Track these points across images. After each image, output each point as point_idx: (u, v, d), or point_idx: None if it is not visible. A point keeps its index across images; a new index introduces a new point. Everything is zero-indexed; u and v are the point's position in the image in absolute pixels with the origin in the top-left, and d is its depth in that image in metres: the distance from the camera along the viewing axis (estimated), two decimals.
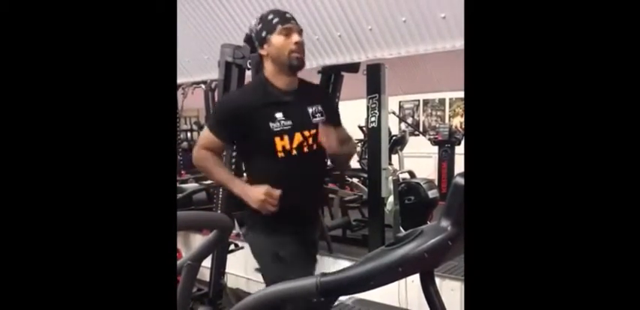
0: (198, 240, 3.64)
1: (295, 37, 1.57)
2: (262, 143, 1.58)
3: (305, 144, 1.61)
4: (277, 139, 1.56)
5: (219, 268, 2.89)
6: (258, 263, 1.71)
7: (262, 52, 1.61)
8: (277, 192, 1.53)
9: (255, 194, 1.53)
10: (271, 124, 1.55)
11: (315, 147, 1.63)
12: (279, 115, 1.56)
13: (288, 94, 1.63)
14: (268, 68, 1.63)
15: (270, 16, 1.59)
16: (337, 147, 1.61)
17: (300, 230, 1.68)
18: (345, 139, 1.71)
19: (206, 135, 1.64)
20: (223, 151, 1.73)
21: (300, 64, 1.62)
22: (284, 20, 1.58)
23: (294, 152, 1.58)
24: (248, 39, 1.69)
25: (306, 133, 1.61)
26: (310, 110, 1.65)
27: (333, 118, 1.71)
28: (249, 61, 2.90)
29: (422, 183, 3.68)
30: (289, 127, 1.57)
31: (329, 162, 1.81)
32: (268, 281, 1.61)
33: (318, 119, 1.65)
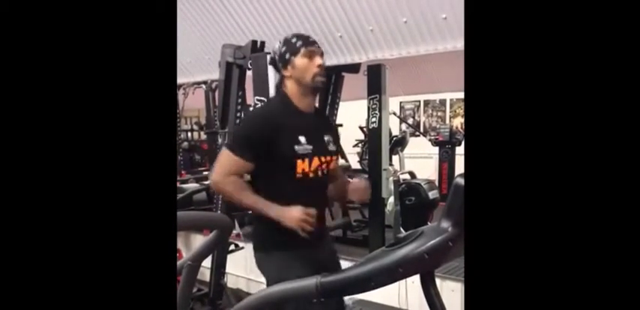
0: (198, 241, 3.64)
1: (318, 60, 1.63)
2: (284, 164, 1.61)
3: (320, 168, 1.67)
4: (299, 162, 1.61)
5: (219, 268, 2.89)
6: (266, 279, 1.71)
7: (286, 73, 1.67)
8: (314, 212, 1.56)
9: (294, 214, 1.54)
10: (296, 147, 1.60)
11: (325, 171, 1.71)
12: (302, 139, 1.62)
13: (308, 117, 1.69)
14: (291, 88, 1.67)
15: (294, 39, 1.65)
16: (341, 178, 1.78)
17: (314, 246, 1.69)
18: (365, 189, 1.79)
19: (230, 160, 1.60)
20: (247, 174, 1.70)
21: (323, 86, 1.70)
22: (307, 43, 1.64)
23: (311, 174, 1.64)
24: (272, 61, 1.74)
25: (323, 159, 1.68)
26: (326, 138, 1.73)
27: (339, 150, 1.84)
28: (249, 61, 2.90)
29: (422, 184, 3.67)
30: (310, 151, 1.63)
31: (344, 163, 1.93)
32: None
33: (332, 148, 1.75)
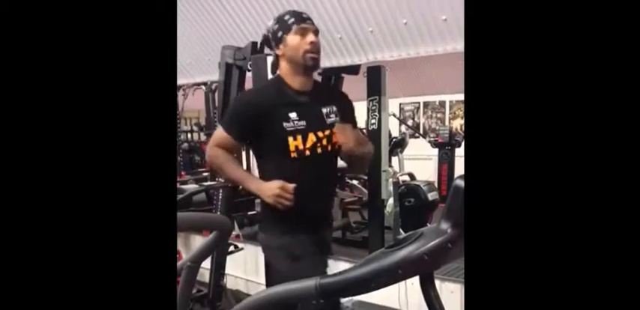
0: (198, 242, 3.64)
1: (311, 37, 1.58)
2: (275, 142, 1.58)
3: (318, 145, 1.61)
4: (290, 139, 1.57)
5: (218, 269, 2.89)
6: (271, 265, 1.71)
7: (278, 51, 1.62)
8: (291, 186, 1.53)
9: (270, 188, 1.53)
10: (285, 124, 1.56)
11: (328, 148, 1.64)
12: (292, 115, 1.57)
13: (302, 95, 1.64)
14: (284, 68, 1.64)
15: (287, 17, 1.60)
16: (354, 145, 1.60)
17: (312, 230, 1.68)
18: (362, 140, 1.69)
19: (220, 134, 1.65)
20: (237, 150, 1.72)
21: (315, 64, 1.63)
22: (300, 20, 1.59)
23: (307, 152, 1.59)
24: (265, 39, 1.69)
25: (320, 134, 1.61)
26: (325, 110, 1.66)
27: (348, 118, 1.70)
28: (249, 62, 2.91)
29: (422, 185, 3.68)
30: (303, 127, 1.58)
31: (344, 164, 1.81)
32: (278, 282, 1.61)
33: (332, 119, 1.66)
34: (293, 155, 1.58)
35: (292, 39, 1.57)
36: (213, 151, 1.66)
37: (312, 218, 1.67)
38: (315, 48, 1.59)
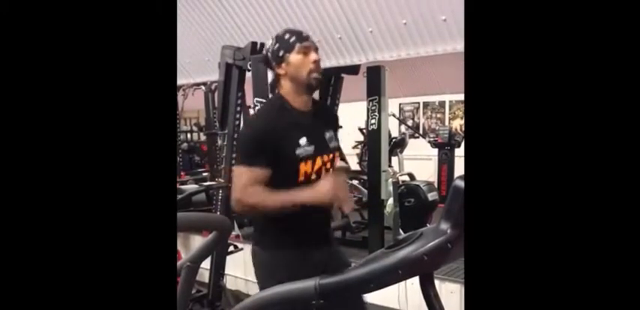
0: (197, 242, 3.64)
1: (314, 56, 1.57)
2: (288, 169, 1.56)
3: (323, 168, 1.62)
4: (302, 165, 1.56)
5: (218, 269, 2.89)
6: (258, 279, 1.68)
7: (280, 71, 1.60)
8: (343, 179, 1.53)
9: (325, 186, 1.48)
10: (297, 151, 1.55)
11: (329, 170, 1.65)
12: (302, 141, 1.55)
13: (306, 116, 1.63)
14: (285, 87, 1.61)
15: (287, 36, 1.58)
16: (345, 204, 1.63)
17: (312, 250, 1.66)
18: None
19: (246, 173, 1.53)
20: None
21: (318, 84, 1.62)
22: (302, 39, 1.57)
23: (314, 176, 1.59)
24: (265, 59, 1.66)
25: (325, 158, 1.62)
26: (327, 135, 1.66)
27: (340, 152, 1.75)
28: (249, 62, 2.91)
29: (421, 186, 3.68)
30: (311, 153, 1.57)
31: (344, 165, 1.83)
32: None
33: (333, 144, 1.68)
34: (300, 179, 1.57)
35: (295, 58, 1.56)
36: (248, 192, 1.52)
37: (312, 236, 1.65)
38: (319, 67, 1.59)
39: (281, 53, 1.57)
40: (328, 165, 1.63)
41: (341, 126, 2.80)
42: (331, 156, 1.64)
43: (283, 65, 1.58)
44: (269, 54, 1.62)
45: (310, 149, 1.57)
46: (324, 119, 1.72)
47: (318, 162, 1.60)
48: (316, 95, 1.85)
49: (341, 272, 1.01)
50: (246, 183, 1.51)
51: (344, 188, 1.51)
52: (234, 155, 2.54)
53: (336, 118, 1.85)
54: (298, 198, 1.49)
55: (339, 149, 1.71)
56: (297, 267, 1.53)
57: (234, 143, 2.93)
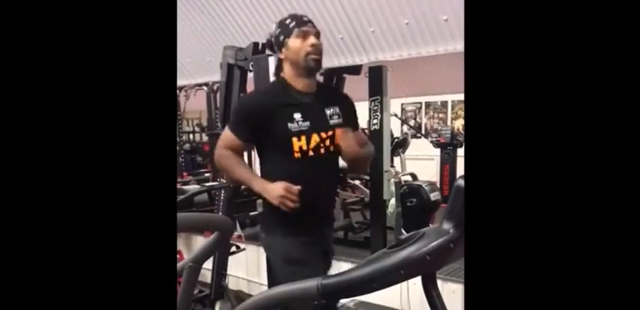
0: (199, 242, 3.64)
1: (312, 40, 1.61)
2: (279, 143, 1.61)
3: (322, 145, 1.63)
4: (294, 139, 1.59)
5: (220, 270, 2.89)
6: (272, 266, 1.72)
7: (281, 55, 1.66)
8: (296, 188, 1.55)
9: (275, 189, 1.54)
10: (289, 124, 1.59)
11: (331, 149, 1.66)
12: (297, 116, 1.60)
13: (306, 96, 1.66)
14: (287, 71, 1.66)
15: (288, 21, 1.64)
16: (356, 149, 1.63)
17: (314, 231, 1.69)
18: (364, 142, 1.71)
19: (227, 135, 1.68)
20: (244, 151, 1.75)
21: (317, 66, 1.66)
22: (300, 23, 1.62)
23: (311, 153, 1.61)
24: (268, 43, 1.72)
25: (323, 135, 1.64)
26: (328, 112, 1.68)
27: (350, 121, 1.73)
28: (251, 63, 2.91)
29: (424, 186, 3.67)
30: (307, 128, 1.60)
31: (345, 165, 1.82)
32: (279, 283, 1.62)
33: (335, 121, 1.68)
34: (296, 155, 1.60)
35: (294, 42, 1.61)
36: (220, 152, 1.69)
37: (313, 218, 1.68)
38: (317, 50, 1.62)
39: (281, 38, 1.63)
40: (327, 142, 1.64)
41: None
42: (331, 133, 1.65)
43: (283, 50, 1.64)
44: (272, 39, 1.67)
45: (305, 124, 1.60)
46: (328, 97, 1.75)
47: (315, 138, 1.62)
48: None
49: (343, 272, 1.01)
50: (225, 145, 1.68)
51: (296, 195, 1.55)
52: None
53: (342, 96, 1.85)
54: (252, 183, 1.63)
55: (349, 124, 1.69)
56: (294, 250, 1.61)
57: None
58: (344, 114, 1.71)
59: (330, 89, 1.78)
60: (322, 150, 1.63)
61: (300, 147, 1.60)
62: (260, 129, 1.61)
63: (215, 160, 1.74)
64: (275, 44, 1.66)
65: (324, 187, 1.71)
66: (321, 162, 1.65)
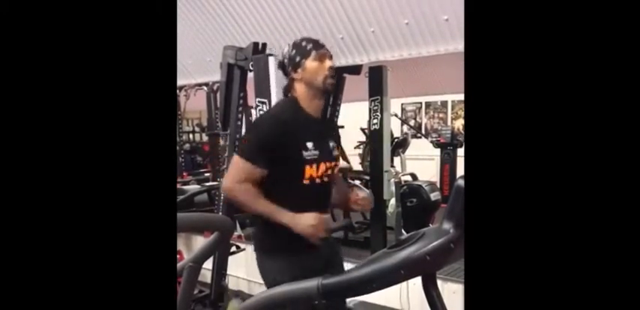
0: (199, 242, 3.64)
1: (328, 63, 1.68)
2: (293, 170, 1.63)
3: (326, 173, 1.70)
4: (307, 167, 1.63)
5: (220, 270, 2.89)
6: (265, 281, 1.72)
7: (296, 76, 1.68)
8: (325, 217, 1.59)
9: (307, 220, 1.56)
10: (304, 152, 1.62)
11: (331, 176, 1.74)
12: (309, 145, 1.64)
13: (316, 123, 1.72)
14: (300, 91, 1.69)
15: (304, 43, 1.68)
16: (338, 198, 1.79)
17: (314, 250, 1.68)
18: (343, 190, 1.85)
19: (241, 166, 1.60)
20: (261, 180, 1.65)
21: (332, 89, 1.74)
22: (318, 46, 1.68)
23: (317, 180, 1.67)
24: (280, 64, 1.76)
25: (328, 164, 1.70)
26: (331, 144, 1.76)
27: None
28: (251, 62, 2.91)
29: (424, 186, 3.67)
30: (317, 157, 1.65)
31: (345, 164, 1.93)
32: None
33: (335, 153, 1.78)
34: (305, 182, 1.63)
35: (311, 64, 1.65)
36: (238, 187, 1.60)
37: (305, 245, 1.68)
38: (333, 73, 1.68)
39: (298, 59, 1.66)
40: (330, 172, 1.71)
41: (342, 126, 2.80)
42: (333, 163, 1.73)
43: (299, 70, 1.67)
44: (285, 60, 1.70)
45: (316, 153, 1.64)
46: (328, 127, 1.84)
47: (322, 166, 1.67)
48: None
49: (344, 272, 1.01)
50: (244, 178, 1.59)
51: (326, 225, 1.58)
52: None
53: (338, 131, 1.97)
54: (278, 216, 1.58)
55: (338, 159, 1.81)
56: (291, 271, 1.57)
57: (236, 143, 2.94)
58: (337, 147, 1.81)
59: (326, 118, 1.86)
60: (325, 178, 1.69)
61: (311, 175, 1.64)
62: (277, 156, 1.60)
63: (230, 196, 1.67)
64: (289, 65, 1.69)
65: (325, 210, 1.75)
66: (323, 188, 1.71)
